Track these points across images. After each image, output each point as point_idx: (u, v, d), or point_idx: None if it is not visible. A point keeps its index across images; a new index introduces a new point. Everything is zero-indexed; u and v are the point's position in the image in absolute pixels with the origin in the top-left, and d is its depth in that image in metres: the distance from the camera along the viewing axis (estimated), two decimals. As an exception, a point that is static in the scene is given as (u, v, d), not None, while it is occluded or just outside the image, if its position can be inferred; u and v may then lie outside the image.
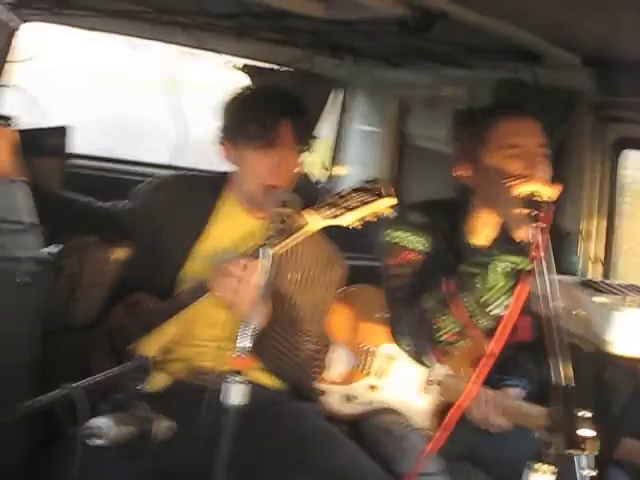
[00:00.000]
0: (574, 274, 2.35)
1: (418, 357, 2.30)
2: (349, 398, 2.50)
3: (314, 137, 2.39)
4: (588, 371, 1.70)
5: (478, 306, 2.15)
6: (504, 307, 2.14)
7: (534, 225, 1.82)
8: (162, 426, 1.55)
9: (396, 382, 2.48)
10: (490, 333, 2.25)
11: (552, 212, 1.85)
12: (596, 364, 1.76)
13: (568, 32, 2.15)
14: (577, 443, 1.25)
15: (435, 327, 2.19)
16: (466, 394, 2.17)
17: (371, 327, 2.49)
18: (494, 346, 1.77)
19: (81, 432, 1.41)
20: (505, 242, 2.10)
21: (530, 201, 1.91)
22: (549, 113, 2.68)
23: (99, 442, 1.44)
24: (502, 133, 2.25)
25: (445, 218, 2.38)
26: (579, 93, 2.64)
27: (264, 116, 2.25)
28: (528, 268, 1.79)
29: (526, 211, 1.89)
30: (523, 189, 1.97)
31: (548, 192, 1.96)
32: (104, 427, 1.45)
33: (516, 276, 2.09)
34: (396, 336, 2.31)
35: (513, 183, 2.00)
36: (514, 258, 2.09)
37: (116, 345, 2.31)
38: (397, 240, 2.36)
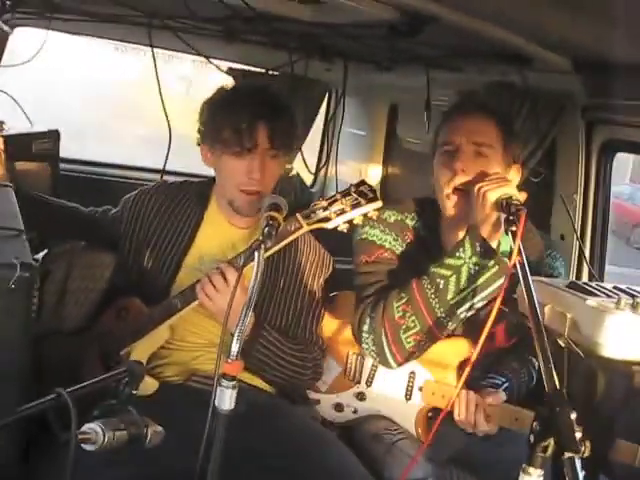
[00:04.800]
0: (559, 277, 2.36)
1: (381, 358, 2.28)
2: (339, 407, 2.49)
3: (297, 139, 2.34)
4: (580, 374, 1.70)
5: (447, 308, 2.15)
6: (474, 309, 2.14)
7: (512, 229, 1.82)
8: (154, 431, 1.54)
9: (383, 388, 2.46)
10: (457, 334, 2.27)
11: (526, 216, 1.85)
12: (588, 367, 1.76)
13: (558, 35, 2.16)
14: (573, 445, 1.25)
15: (403, 327, 2.19)
16: (451, 400, 2.17)
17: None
18: (474, 352, 1.78)
19: (73, 437, 1.40)
20: (477, 245, 2.10)
21: (506, 205, 1.92)
22: (539, 116, 2.69)
23: (91, 447, 1.44)
24: (444, 131, 2.29)
25: (420, 217, 2.38)
26: (569, 96, 2.65)
27: (239, 120, 2.21)
28: (506, 272, 1.79)
29: (503, 215, 1.90)
30: (498, 193, 1.97)
31: (521, 196, 1.97)
32: (96, 432, 1.44)
33: (488, 279, 2.09)
34: (360, 335, 2.30)
35: (487, 187, 2.00)
36: (486, 261, 2.09)
37: (106, 350, 2.30)
38: (373, 238, 2.35)
